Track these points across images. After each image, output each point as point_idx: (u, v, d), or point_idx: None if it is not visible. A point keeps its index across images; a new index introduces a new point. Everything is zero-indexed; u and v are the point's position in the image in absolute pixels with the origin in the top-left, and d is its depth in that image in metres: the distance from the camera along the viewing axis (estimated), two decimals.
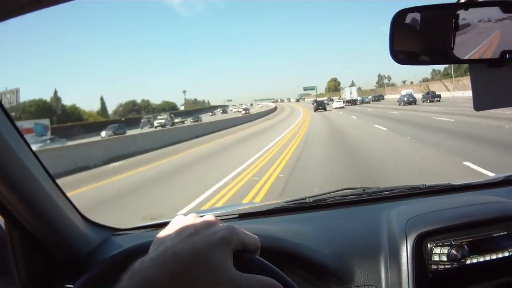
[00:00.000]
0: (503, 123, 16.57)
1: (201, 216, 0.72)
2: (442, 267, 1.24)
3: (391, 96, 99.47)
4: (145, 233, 1.65)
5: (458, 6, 0.92)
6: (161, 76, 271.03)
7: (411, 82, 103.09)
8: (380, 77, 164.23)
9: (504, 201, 1.45)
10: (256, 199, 7.80)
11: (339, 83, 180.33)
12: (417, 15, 0.93)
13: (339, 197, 1.78)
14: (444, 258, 1.24)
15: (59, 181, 1.32)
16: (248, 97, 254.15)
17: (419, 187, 1.80)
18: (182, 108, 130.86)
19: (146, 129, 56.25)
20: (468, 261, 1.24)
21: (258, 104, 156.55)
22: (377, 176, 8.89)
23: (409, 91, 69.83)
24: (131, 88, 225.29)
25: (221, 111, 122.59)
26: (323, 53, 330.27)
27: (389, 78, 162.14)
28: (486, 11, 0.92)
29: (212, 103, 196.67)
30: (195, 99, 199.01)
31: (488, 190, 1.73)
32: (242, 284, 0.64)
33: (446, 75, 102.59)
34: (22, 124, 39.51)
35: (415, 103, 50.56)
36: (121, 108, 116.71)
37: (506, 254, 1.25)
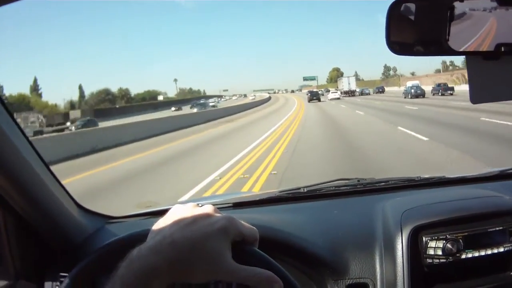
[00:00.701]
0: None
1: (199, 206, 0.72)
2: (437, 261, 1.24)
3: (392, 89, 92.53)
4: (140, 221, 1.65)
5: None
6: (155, 64, 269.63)
7: (426, 75, 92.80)
8: (387, 68, 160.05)
9: (499, 195, 1.45)
10: None
11: (342, 73, 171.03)
12: (413, 5, 0.92)
13: (334, 188, 1.78)
14: (439, 252, 1.24)
15: None
16: (247, 88, 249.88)
17: (413, 179, 1.80)
18: (161, 98, 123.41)
19: None
20: (463, 256, 1.24)
21: (252, 96, 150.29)
22: None
23: (415, 82, 63.01)
24: (118, 77, 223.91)
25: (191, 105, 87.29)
26: (326, 43, 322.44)
27: (394, 69, 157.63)
28: (482, 3, 0.91)
29: (209, 93, 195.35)
30: (190, 89, 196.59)
31: (482, 184, 1.73)
32: (240, 275, 0.64)
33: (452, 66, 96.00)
34: None
35: (423, 96, 45.30)
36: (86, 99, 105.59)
37: (501, 249, 1.25)
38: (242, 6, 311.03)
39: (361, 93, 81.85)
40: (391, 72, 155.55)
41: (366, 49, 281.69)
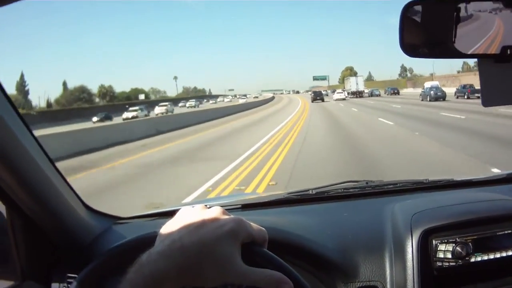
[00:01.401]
0: None
1: (208, 207, 0.72)
2: (447, 264, 1.23)
3: (408, 91, 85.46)
4: (147, 222, 1.64)
5: None
6: (157, 62, 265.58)
7: (446, 76, 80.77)
8: (403, 69, 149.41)
9: (508, 198, 1.44)
10: None
11: (355, 73, 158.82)
12: (428, 7, 0.92)
13: (342, 190, 1.77)
14: (449, 255, 1.23)
15: None
16: (255, 88, 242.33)
17: (422, 182, 1.79)
18: (142, 97, 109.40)
19: None
20: (473, 259, 1.23)
21: (254, 96, 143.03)
22: None
23: (434, 83, 53.67)
24: (119, 75, 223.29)
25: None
26: (339, 42, 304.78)
27: (410, 70, 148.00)
28: (492, 5, 0.91)
29: (214, 92, 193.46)
30: (195, 87, 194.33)
31: (491, 187, 1.72)
32: (250, 278, 0.64)
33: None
34: None
35: (443, 99, 39.02)
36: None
37: (510, 253, 1.24)
38: (251, 4, 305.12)
39: (371, 94, 76.19)
40: (408, 74, 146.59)
41: (381, 49, 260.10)
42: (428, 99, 40.01)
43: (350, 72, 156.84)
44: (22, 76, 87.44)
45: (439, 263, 1.24)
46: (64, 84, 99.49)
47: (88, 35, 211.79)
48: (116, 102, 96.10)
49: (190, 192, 7.87)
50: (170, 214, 0.74)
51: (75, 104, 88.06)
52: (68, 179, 1.30)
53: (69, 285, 1.25)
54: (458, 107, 27.96)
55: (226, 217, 0.68)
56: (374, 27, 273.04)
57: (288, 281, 0.65)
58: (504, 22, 0.90)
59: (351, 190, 1.78)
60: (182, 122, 29.01)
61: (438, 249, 1.24)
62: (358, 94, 75.54)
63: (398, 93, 73.89)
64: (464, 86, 42.86)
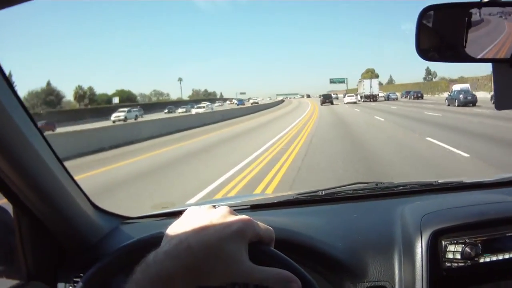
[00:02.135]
0: None
1: (215, 207, 0.71)
2: (456, 265, 1.24)
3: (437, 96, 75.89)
4: (155, 222, 1.64)
5: (483, 4, 0.92)
6: (168, 65, 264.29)
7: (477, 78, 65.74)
8: (428, 72, 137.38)
9: None
10: None
11: (377, 76, 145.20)
12: (442, 12, 0.94)
13: (352, 191, 1.77)
14: (458, 256, 1.24)
15: None
16: (270, 91, 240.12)
17: (431, 184, 1.79)
18: (116, 101, 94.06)
19: None
20: (482, 260, 1.23)
21: (253, 102, 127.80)
22: None
23: (465, 85, 47.47)
24: (127, 78, 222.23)
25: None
26: (359, 44, 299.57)
27: (434, 74, 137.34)
28: (503, 10, 0.92)
29: (226, 96, 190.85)
30: (205, 90, 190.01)
31: (499, 189, 1.72)
32: (257, 276, 0.63)
33: None
34: None
35: (474, 104, 33.64)
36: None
37: None
38: (267, 8, 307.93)
39: (387, 98, 72.15)
40: (432, 78, 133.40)
41: (405, 51, 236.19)
42: (456, 104, 34.62)
43: (371, 74, 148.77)
44: (10, 74, 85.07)
45: (448, 264, 1.24)
46: (48, 84, 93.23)
47: (88, 36, 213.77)
48: (96, 106, 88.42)
49: None
50: (177, 214, 0.74)
51: (39, 108, 76.97)
52: None
53: (75, 285, 1.25)
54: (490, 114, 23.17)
55: (233, 216, 0.68)
56: (397, 29, 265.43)
57: (296, 280, 0.64)
58: None
59: (360, 191, 1.78)
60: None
61: (448, 250, 1.25)
62: (372, 98, 71.32)
63: (422, 97, 67.48)
64: None
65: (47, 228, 1.23)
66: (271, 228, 0.71)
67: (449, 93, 40.77)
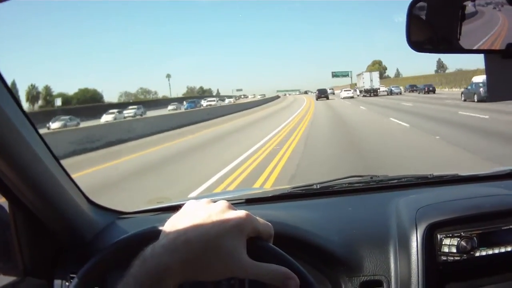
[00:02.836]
0: None
1: (213, 201, 0.71)
2: (452, 258, 1.24)
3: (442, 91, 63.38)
4: (151, 217, 1.64)
5: None
6: (164, 62, 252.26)
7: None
8: (440, 64, 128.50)
9: None
10: None
11: (384, 68, 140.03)
12: (433, 4, 0.93)
13: (347, 185, 1.78)
14: (454, 250, 1.24)
15: None
16: (270, 87, 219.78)
17: (426, 177, 1.80)
18: (58, 103, 72.11)
19: None
20: (477, 254, 1.24)
21: (253, 96, 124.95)
22: None
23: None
24: (119, 76, 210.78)
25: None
26: (363, 38, 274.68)
27: (445, 67, 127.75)
28: (496, 2, 0.92)
29: (222, 93, 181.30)
30: (201, 87, 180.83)
31: (495, 182, 1.72)
32: (255, 272, 0.64)
33: None
34: None
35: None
36: None
37: None
38: (265, 2, 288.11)
39: (390, 93, 65.79)
40: (440, 70, 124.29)
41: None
42: (475, 99, 27.21)
43: (379, 66, 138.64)
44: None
45: (444, 257, 1.24)
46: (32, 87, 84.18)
47: (91, 37, 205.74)
48: (51, 108, 71.38)
49: None
50: (175, 208, 0.74)
51: None
52: None
53: (71, 280, 1.25)
54: None
55: (232, 211, 0.68)
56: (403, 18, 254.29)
57: (293, 276, 0.64)
58: (508, 18, 0.91)
59: (355, 184, 1.78)
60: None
61: (443, 243, 1.25)
62: (372, 92, 64.75)
63: (433, 91, 56.83)
64: None
65: (43, 224, 1.23)
66: (270, 224, 0.71)
67: (467, 87, 32.65)
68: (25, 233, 1.22)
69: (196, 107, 57.60)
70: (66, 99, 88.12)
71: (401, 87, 71.52)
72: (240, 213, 0.67)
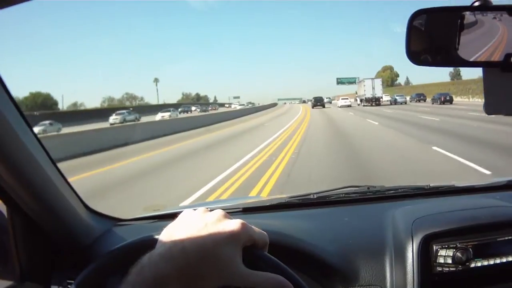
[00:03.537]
0: None
1: (209, 210, 0.72)
2: (447, 269, 1.24)
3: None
4: (147, 225, 1.64)
5: (473, 8, 0.92)
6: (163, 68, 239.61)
7: None
8: (456, 72, 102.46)
9: (508, 205, 1.45)
10: None
11: (396, 74, 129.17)
12: (434, 16, 0.93)
13: (344, 195, 1.78)
14: (449, 261, 1.24)
15: None
16: (271, 96, 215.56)
17: (423, 188, 1.80)
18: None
19: None
20: (473, 265, 1.24)
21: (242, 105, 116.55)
22: None
23: None
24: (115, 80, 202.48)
25: None
26: (372, 41, 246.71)
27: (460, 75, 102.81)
28: (495, 13, 0.91)
29: (220, 100, 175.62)
30: (197, 94, 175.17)
31: (491, 194, 1.73)
32: (250, 281, 0.64)
33: None
34: None
35: None
36: None
37: (510, 259, 1.25)
38: (265, 8, 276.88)
39: (394, 102, 59.59)
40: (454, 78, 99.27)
41: None
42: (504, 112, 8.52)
43: (390, 72, 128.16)
44: None
45: (439, 268, 1.25)
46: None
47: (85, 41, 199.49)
48: None
49: None
50: (171, 216, 0.75)
51: None
52: None
53: (68, 287, 1.25)
54: None
55: (228, 220, 0.68)
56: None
57: (289, 285, 0.65)
58: (508, 30, 0.90)
59: (352, 195, 1.79)
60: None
61: (439, 254, 1.25)
62: (374, 101, 58.25)
63: (450, 100, 49.58)
64: None
65: (40, 229, 1.23)
66: (265, 233, 0.71)
67: None
68: (23, 237, 1.22)
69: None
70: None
71: (407, 97, 65.34)
72: (236, 222, 0.67)
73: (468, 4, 0.92)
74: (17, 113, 1.08)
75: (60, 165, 1.27)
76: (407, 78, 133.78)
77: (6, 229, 1.21)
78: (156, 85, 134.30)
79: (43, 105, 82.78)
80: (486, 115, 1.00)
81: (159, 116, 50.39)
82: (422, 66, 0.95)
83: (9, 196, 1.12)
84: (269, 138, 18.04)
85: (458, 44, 0.90)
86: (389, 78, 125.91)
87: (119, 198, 8.16)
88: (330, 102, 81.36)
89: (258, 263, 0.68)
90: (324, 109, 57.19)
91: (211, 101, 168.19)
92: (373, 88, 59.01)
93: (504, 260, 1.25)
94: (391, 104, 57.97)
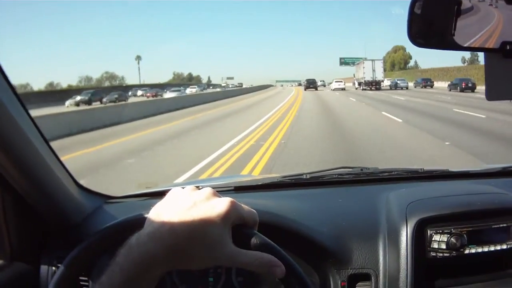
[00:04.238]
0: None
1: (199, 188, 0.71)
2: (441, 254, 1.24)
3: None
4: (138, 202, 1.63)
5: None
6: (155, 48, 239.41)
7: None
8: (474, 55, 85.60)
9: (504, 192, 1.44)
10: None
11: (408, 56, 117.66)
12: (433, 0, 0.92)
13: (337, 176, 1.78)
14: (443, 246, 1.24)
15: None
16: (269, 77, 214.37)
17: (417, 171, 1.80)
18: None
19: None
20: (467, 251, 1.24)
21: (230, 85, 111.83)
22: None
23: None
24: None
25: None
26: (378, 18, 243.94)
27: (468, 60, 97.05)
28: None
29: (214, 81, 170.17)
30: (189, 74, 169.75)
31: (485, 180, 1.73)
32: (240, 260, 0.64)
33: None
34: None
35: None
36: None
37: (504, 246, 1.26)
38: None
39: (395, 87, 54.96)
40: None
41: None
42: None
43: (403, 53, 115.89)
44: None
45: (433, 253, 1.24)
46: None
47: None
48: None
49: None
50: (161, 194, 0.73)
51: None
52: None
53: (58, 265, 1.24)
54: None
55: (217, 198, 0.67)
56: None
57: (279, 264, 0.64)
58: (504, 16, 0.90)
59: (345, 176, 1.78)
60: None
61: (433, 239, 1.25)
62: (374, 85, 53.19)
63: (473, 88, 40.86)
64: None
65: (31, 207, 1.22)
66: (255, 211, 0.71)
67: None
68: (13, 215, 1.21)
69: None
70: None
71: (411, 82, 59.76)
72: (225, 200, 0.66)
73: None
74: (10, 90, 1.06)
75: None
76: (416, 62, 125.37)
77: None
78: (138, 63, 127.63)
79: None
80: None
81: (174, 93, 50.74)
82: (423, 48, 0.95)
83: None
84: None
85: (455, 28, 0.89)
86: (402, 60, 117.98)
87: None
88: (324, 86, 79.57)
89: (248, 242, 0.67)
90: (318, 93, 51.33)
91: (204, 81, 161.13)
92: (374, 70, 54.08)
93: (498, 247, 1.25)
94: (390, 88, 53.78)
